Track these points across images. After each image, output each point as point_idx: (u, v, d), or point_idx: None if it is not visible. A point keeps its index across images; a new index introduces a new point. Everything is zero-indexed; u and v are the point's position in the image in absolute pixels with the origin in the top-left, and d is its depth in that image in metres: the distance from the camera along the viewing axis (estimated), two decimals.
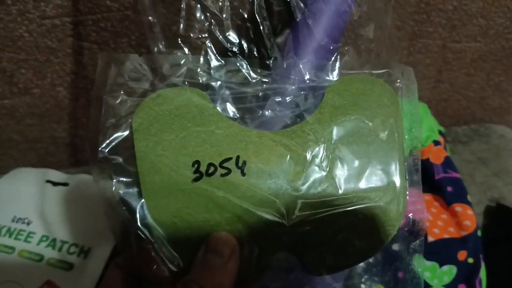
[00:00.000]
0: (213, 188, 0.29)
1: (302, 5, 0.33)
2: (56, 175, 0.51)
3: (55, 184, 0.50)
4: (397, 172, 0.32)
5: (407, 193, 0.32)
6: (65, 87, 0.53)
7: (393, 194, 0.31)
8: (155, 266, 0.29)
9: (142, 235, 0.29)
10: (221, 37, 0.32)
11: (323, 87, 0.32)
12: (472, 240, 0.48)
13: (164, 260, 0.29)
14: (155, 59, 0.32)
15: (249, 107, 0.31)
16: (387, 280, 0.42)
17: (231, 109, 0.30)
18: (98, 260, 0.44)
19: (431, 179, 0.52)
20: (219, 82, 0.30)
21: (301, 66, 0.32)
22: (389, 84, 0.33)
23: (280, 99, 0.32)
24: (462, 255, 0.47)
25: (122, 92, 0.31)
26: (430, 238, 0.48)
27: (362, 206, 0.30)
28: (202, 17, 0.32)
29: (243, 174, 0.30)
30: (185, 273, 0.29)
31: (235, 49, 0.32)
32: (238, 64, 0.30)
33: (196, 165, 0.30)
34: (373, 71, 0.33)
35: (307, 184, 0.30)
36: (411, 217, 0.33)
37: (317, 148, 0.30)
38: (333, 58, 0.32)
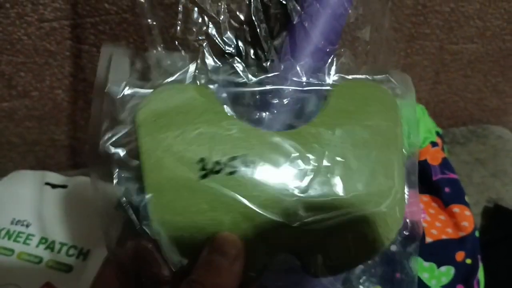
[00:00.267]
0: (220, 186, 0.29)
1: (298, 8, 0.33)
2: (55, 177, 0.51)
3: (54, 186, 0.50)
4: (398, 177, 0.32)
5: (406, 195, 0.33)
6: (63, 89, 0.53)
7: (394, 199, 0.31)
8: (156, 266, 0.29)
9: (144, 233, 0.29)
10: (218, 39, 0.32)
11: (321, 90, 0.32)
12: (470, 241, 0.48)
13: (166, 259, 0.29)
14: (160, 55, 0.32)
15: (246, 109, 0.31)
16: (385, 281, 0.42)
17: (228, 110, 0.31)
18: (97, 262, 0.44)
19: (429, 180, 0.53)
20: (216, 84, 0.31)
21: (298, 68, 0.32)
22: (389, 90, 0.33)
23: (277, 100, 0.32)
24: (460, 256, 0.47)
25: (125, 85, 0.30)
26: (428, 239, 0.48)
27: (363, 209, 0.30)
28: (200, 20, 0.32)
29: (249, 173, 0.29)
30: (186, 273, 0.28)
31: (232, 51, 0.32)
32: (235, 66, 0.30)
33: (202, 162, 0.29)
34: (373, 76, 0.33)
35: (311, 186, 0.30)
36: (408, 218, 0.33)
37: (321, 150, 0.31)
38: (329, 60, 0.32)
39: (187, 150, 0.29)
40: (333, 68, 0.32)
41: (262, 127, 0.32)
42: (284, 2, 0.34)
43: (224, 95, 0.30)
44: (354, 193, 0.30)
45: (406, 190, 0.32)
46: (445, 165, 0.53)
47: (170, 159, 0.29)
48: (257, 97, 0.32)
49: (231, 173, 0.29)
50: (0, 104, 0.53)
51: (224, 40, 0.32)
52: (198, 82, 0.31)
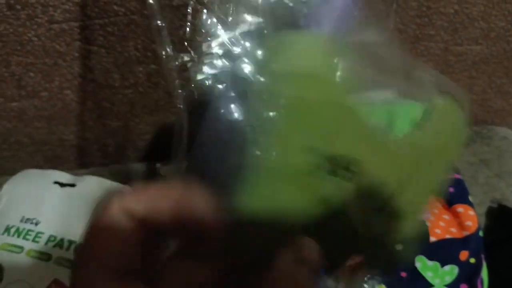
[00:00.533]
0: (323, 187, 0.26)
1: (305, 10, 0.34)
2: (64, 176, 0.51)
3: (62, 185, 0.50)
4: None
5: None
6: (72, 90, 0.54)
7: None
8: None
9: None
10: (226, 40, 0.33)
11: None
12: (473, 240, 0.48)
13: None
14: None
15: (253, 109, 0.32)
16: (390, 280, 0.42)
17: (236, 110, 0.31)
18: None
19: None
20: (224, 84, 0.31)
21: None
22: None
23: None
24: (463, 255, 0.48)
25: None
26: (432, 238, 0.48)
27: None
28: (208, 21, 0.33)
29: (356, 180, 0.26)
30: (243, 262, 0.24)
31: (240, 52, 0.33)
32: (242, 67, 0.31)
33: (313, 154, 0.25)
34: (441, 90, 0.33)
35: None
36: None
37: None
38: None
39: (297, 133, 0.26)
40: None
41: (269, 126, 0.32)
42: (291, 4, 0.34)
43: (232, 94, 0.31)
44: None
45: None
46: None
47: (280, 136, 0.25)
48: (264, 97, 0.32)
49: (341, 176, 0.26)
50: (10, 104, 0.54)
51: (232, 41, 0.33)
52: (206, 82, 0.32)
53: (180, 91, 0.33)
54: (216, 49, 0.32)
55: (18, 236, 0.46)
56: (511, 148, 0.64)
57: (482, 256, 0.48)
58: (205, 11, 0.32)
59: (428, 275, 0.47)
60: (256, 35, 0.32)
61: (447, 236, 0.49)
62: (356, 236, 0.28)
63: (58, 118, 0.56)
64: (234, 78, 0.30)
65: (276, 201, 0.26)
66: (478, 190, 0.58)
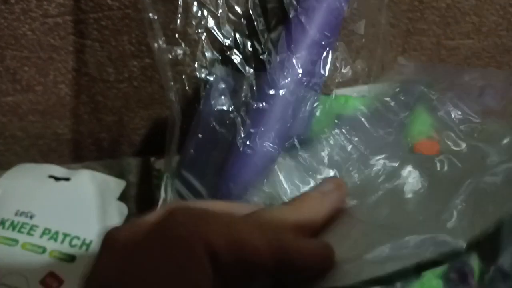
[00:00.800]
0: None
1: (295, 2, 0.34)
2: (59, 170, 0.52)
3: (57, 179, 0.51)
4: None
5: None
6: (67, 84, 0.54)
7: None
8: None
9: None
10: (217, 32, 0.33)
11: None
12: None
13: None
14: None
15: (244, 100, 0.32)
16: None
17: (227, 102, 0.31)
18: None
19: None
20: (214, 76, 0.31)
21: (294, 60, 0.33)
22: None
23: (273, 92, 0.33)
24: None
25: None
26: None
27: None
28: (199, 13, 0.33)
29: None
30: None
31: (230, 43, 0.33)
32: (233, 58, 0.31)
33: None
34: None
35: None
36: None
37: None
38: (325, 54, 0.33)
39: None
40: (329, 60, 0.33)
41: (260, 117, 0.33)
42: None
43: (223, 86, 0.31)
44: None
45: None
46: None
47: None
48: (253, 88, 0.32)
49: None
50: (5, 98, 0.54)
51: (223, 33, 0.33)
52: (198, 75, 0.32)
53: (172, 83, 0.34)
54: (206, 41, 0.32)
55: (13, 229, 0.47)
56: None
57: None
58: (195, 3, 0.32)
59: None
60: (246, 27, 0.32)
61: None
62: None
63: (53, 112, 0.56)
64: (225, 70, 0.31)
65: None
66: None
